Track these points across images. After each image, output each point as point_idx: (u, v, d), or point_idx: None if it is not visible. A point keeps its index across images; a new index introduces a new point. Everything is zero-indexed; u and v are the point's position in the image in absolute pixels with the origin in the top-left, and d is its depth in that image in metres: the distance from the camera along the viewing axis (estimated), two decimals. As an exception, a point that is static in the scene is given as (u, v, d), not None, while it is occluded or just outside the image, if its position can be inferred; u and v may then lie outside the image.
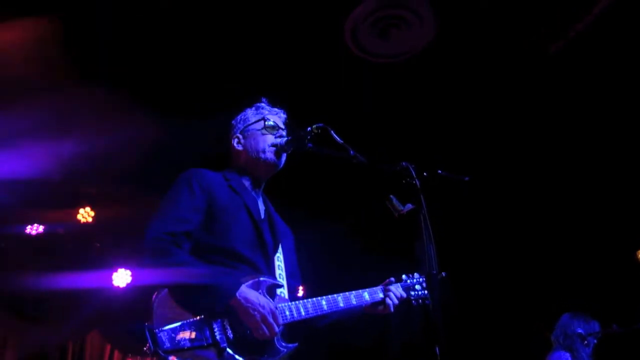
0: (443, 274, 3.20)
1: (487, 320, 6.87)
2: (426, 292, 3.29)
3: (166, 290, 2.69)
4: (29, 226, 7.37)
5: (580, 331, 5.08)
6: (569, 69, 5.47)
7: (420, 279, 3.35)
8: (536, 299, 6.50)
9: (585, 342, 5.05)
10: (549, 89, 5.65)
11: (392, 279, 3.26)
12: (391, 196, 2.60)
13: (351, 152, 2.82)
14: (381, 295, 3.18)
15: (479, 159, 5.98)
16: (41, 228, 7.43)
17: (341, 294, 3.05)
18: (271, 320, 2.71)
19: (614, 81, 5.58)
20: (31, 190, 6.80)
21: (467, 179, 2.59)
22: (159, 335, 2.57)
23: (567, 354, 5.03)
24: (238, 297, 2.68)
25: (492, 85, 5.68)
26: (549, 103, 5.81)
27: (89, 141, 6.44)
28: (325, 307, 2.97)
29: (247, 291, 2.71)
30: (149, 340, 2.57)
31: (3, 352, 7.51)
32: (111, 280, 7.78)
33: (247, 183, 3.12)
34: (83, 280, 7.49)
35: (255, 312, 2.68)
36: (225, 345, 2.64)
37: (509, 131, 6.12)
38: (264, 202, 3.18)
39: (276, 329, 2.73)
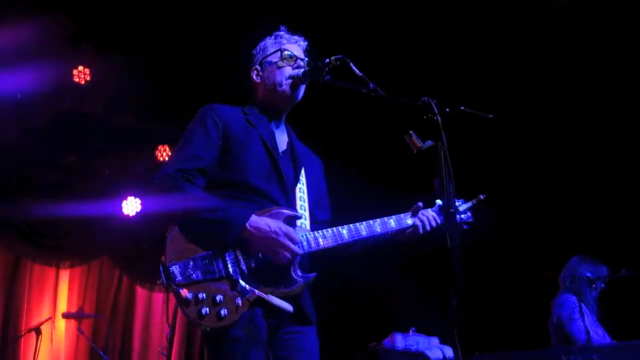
0: (481, 196, 3.16)
1: (501, 261, 6.89)
2: (465, 217, 3.24)
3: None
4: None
5: (588, 275, 5.07)
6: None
7: (459, 202, 3.26)
8: (548, 242, 6.50)
9: (593, 285, 5.06)
10: (582, 24, 5.46)
11: (420, 203, 3.13)
12: (411, 131, 2.54)
13: (371, 85, 2.73)
14: (409, 221, 3.07)
15: (502, 96, 5.84)
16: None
17: (364, 222, 2.97)
18: (287, 242, 2.68)
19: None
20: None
21: (490, 116, 2.52)
22: (171, 269, 2.59)
23: (574, 297, 5.03)
24: (248, 228, 2.65)
25: (517, 19, 5.50)
26: (579, 41, 5.63)
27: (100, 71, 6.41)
28: (346, 236, 2.90)
29: (257, 219, 2.68)
30: (162, 274, 2.59)
31: (15, 275, 7.64)
32: (121, 208, 7.82)
33: (266, 116, 3.05)
34: (92, 207, 7.53)
35: (269, 240, 2.66)
36: (238, 277, 2.63)
37: (534, 69, 5.96)
38: (288, 134, 3.12)
39: (296, 249, 2.70)
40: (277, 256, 2.68)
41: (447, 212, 2.37)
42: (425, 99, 2.48)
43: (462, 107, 2.49)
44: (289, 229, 2.72)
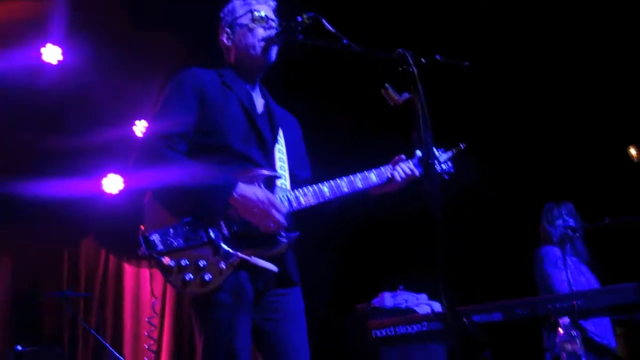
0: (462, 145, 3.17)
1: (486, 211, 6.92)
2: (446, 167, 3.23)
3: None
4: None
5: (569, 223, 5.07)
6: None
7: (439, 151, 3.24)
8: (531, 191, 6.51)
9: (576, 233, 5.04)
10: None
11: (403, 155, 3.13)
12: (387, 85, 2.51)
13: (345, 41, 2.70)
14: (389, 174, 3.07)
15: (479, 43, 5.77)
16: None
17: (345, 178, 2.96)
18: (273, 212, 2.67)
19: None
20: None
21: (467, 64, 2.50)
22: (151, 237, 2.57)
23: (555, 248, 5.04)
24: (236, 196, 2.64)
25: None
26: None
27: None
28: (327, 193, 2.89)
29: (243, 188, 2.66)
30: (142, 244, 2.57)
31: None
32: (101, 186, 7.77)
33: (241, 78, 3.03)
34: (72, 187, 7.46)
35: (255, 209, 2.65)
36: (220, 241, 2.61)
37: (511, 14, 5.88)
38: (263, 96, 3.10)
39: (282, 220, 2.69)
40: (262, 225, 2.67)
41: (425, 163, 2.36)
42: (400, 50, 2.46)
43: (438, 57, 2.46)
44: (277, 201, 2.71)
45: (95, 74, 6.85)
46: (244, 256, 2.62)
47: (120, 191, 7.83)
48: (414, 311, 5.30)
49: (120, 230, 7.84)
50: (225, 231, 2.65)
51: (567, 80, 6.51)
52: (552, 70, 6.45)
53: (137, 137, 7.57)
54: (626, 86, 6.43)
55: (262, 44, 2.97)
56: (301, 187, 2.90)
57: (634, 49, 6.11)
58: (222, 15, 3.14)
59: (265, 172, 2.81)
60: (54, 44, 6.61)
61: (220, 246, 2.60)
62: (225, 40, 3.08)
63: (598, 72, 6.41)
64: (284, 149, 3.02)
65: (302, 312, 2.90)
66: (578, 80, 6.50)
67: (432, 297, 5.58)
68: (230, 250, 2.61)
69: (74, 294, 7.40)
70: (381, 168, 3.08)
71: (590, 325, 4.61)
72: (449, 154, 3.27)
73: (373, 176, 3.04)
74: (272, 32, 2.97)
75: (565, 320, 4.08)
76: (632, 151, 7.14)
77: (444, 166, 3.25)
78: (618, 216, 4.75)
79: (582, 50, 6.27)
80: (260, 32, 2.99)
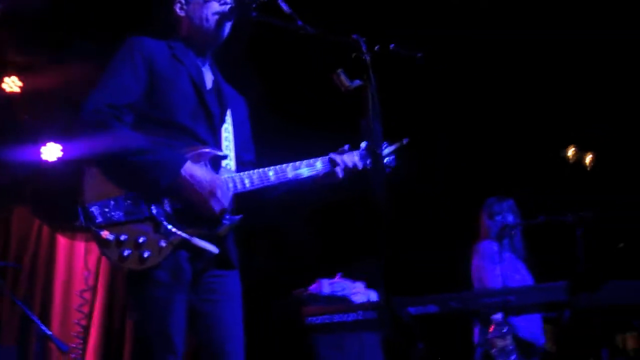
0: (405, 140, 3.18)
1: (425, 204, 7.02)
2: (388, 160, 3.22)
3: None
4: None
5: (509, 219, 5.15)
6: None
7: (384, 144, 3.22)
8: (471, 189, 6.62)
9: (513, 231, 5.13)
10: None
11: (347, 146, 3.11)
12: (339, 70, 2.48)
13: (299, 22, 2.66)
14: (333, 164, 3.03)
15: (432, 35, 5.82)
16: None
17: (291, 164, 2.94)
18: (220, 195, 2.64)
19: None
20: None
21: (420, 55, 2.50)
22: (90, 209, 2.50)
23: (493, 243, 5.11)
24: (183, 174, 2.59)
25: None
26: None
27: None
28: (272, 177, 2.87)
29: (192, 167, 2.62)
30: (81, 215, 2.50)
31: None
32: (39, 154, 7.51)
33: (192, 52, 2.96)
34: (8, 153, 7.20)
35: (201, 190, 2.61)
36: (162, 218, 2.56)
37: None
38: (213, 73, 3.04)
39: (225, 203, 2.67)
40: (207, 207, 2.63)
41: (372, 154, 2.35)
42: (354, 36, 2.44)
43: (392, 46, 2.45)
44: (223, 184, 2.68)
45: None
46: (185, 236, 2.58)
47: (59, 159, 7.58)
48: (349, 299, 5.33)
49: (56, 200, 7.62)
50: (167, 208, 2.60)
51: (511, 80, 6.63)
52: (497, 70, 6.55)
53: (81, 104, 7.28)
54: (565, 89, 6.60)
55: (216, 17, 2.91)
56: (246, 170, 2.87)
57: (575, 51, 6.27)
58: None
59: (212, 151, 2.76)
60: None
61: (162, 223, 2.56)
62: (177, 10, 3.00)
63: (540, 74, 6.55)
64: (230, 128, 2.98)
65: (239, 294, 2.89)
66: (521, 81, 6.63)
67: (369, 286, 5.62)
68: (172, 229, 2.56)
69: (2, 263, 7.20)
70: (326, 157, 3.05)
71: (519, 321, 4.71)
72: (392, 147, 3.28)
73: (319, 164, 3.02)
74: (226, 7, 2.92)
75: (497, 316, 4.15)
76: (569, 152, 7.40)
77: (386, 159, 3.25)
78: (554, 214, 4.85)
79: (526, 51, 6.39)
80: (215, 6, 2.93)
